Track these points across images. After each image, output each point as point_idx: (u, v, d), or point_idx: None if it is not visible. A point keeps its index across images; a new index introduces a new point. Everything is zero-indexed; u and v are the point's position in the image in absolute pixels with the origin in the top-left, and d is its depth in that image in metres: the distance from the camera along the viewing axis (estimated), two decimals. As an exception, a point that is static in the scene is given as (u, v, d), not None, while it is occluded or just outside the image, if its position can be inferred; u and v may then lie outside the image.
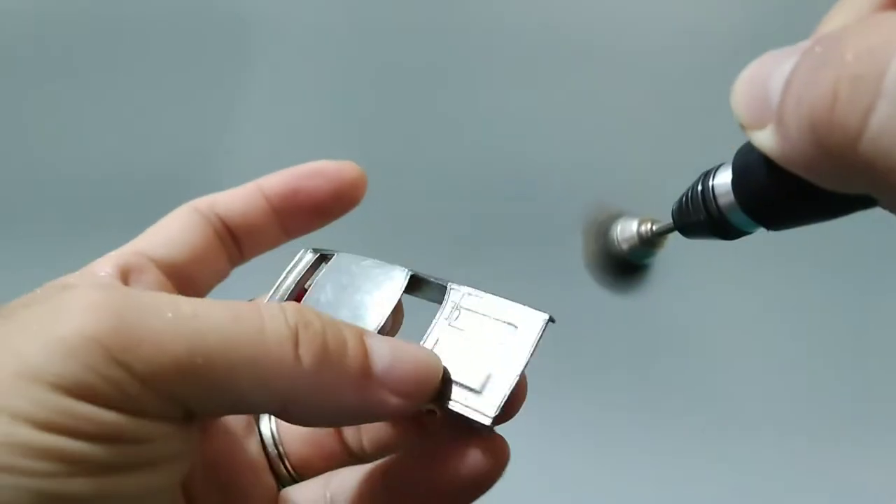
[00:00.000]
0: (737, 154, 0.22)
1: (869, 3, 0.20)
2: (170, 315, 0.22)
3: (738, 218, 0.22)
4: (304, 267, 0.32)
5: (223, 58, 0.72)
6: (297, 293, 0.32)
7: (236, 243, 0.33)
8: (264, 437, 0.31)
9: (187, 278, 0.31)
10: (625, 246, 0.26)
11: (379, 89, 0.71)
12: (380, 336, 0.26)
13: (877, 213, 0.22)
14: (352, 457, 0.31)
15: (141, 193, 0.71)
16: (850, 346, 0.67)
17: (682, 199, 0.24)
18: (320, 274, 0.31)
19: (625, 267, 0.27)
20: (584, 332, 0.65)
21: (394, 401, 0.25)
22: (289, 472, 0.31)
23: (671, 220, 0.25)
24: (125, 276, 0.28)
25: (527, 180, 0.69)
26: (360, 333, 0.25)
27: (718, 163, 0.23)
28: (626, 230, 0.26)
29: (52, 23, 0.72)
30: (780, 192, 0.21)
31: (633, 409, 0.66)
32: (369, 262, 0.31)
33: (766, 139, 0.18)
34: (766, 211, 0.22)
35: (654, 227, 0.26)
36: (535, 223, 0.69)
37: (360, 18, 0.70)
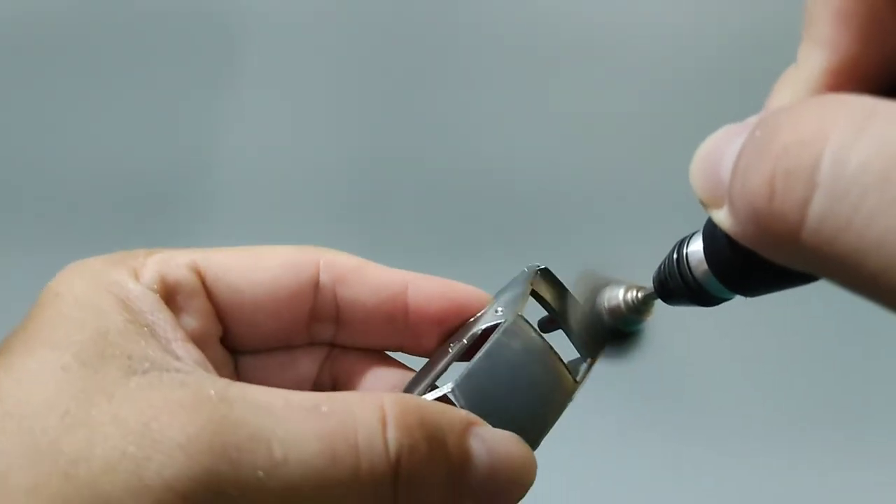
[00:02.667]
0: (706, 223, 0.22)
1: (809, 80, 0.19)
2: (261, 462, 0.20)
3: (714, 286, 0.22)
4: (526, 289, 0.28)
5: (215, 57, 0.71)
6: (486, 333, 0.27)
7: (336, 328, 0.28)
8: None
9: (243, 321, 0.27)
10: (612, 315, 0.26)
11: (372, 87, 0.70)
12: (481, 436, 0.24)
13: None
14: None
15: (136, 193, 0.71)
16: (851, 349, 0.67)
17: (660, 267, 0.24)
18: (502, 338, 0.26)
19: (615, 335, 0.27)
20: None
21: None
22: None
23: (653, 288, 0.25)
24: (171, 293, 0.25)
25: (527, 180, 0.69)
26: (465, 441, 0.23)
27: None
28: (613, 299, 0.26)
29: (44, 24, 0.71)
30: (746, 265, 0.21)
31: (632, 412, 0.66)
32: (545, 349, 0.27)
33: (722, 218, 0.18)
34: (738, 281, 0.21)
35: (640, 295, 0.26)
36: (534, 225, 0.69)
37: (353, 16, 0.70)
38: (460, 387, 0.25)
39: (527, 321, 0.27)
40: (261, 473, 0.20)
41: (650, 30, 0.68)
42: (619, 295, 0.26)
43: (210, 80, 0.71)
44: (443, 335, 0.28)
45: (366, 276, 0.28)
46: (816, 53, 0.19)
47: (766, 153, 0.17)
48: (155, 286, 0.25)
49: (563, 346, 0.28)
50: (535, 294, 0.28)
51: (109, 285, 0.24)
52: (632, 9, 0.68)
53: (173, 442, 0.20)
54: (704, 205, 0.19)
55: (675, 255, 0.23)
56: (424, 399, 0.25)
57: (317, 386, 0.29)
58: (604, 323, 0.26)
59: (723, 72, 0.65)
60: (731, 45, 0.66)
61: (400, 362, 0.30)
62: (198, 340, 0.25)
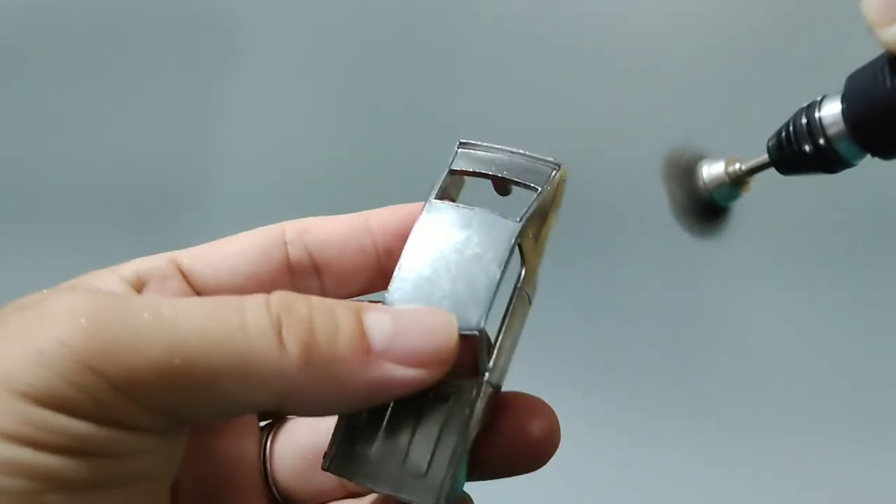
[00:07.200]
0: (848, 79, 0.22)
1: None
2: (147, 317, 0.21)
3: (847, 148, 0.23)
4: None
5: (212, 56, 0.71)
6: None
7: (320, 279, 0.28)
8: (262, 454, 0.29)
9: (222, 290, 0.27)
10: (712, 187, 0.26)
11: (370, 87, 0.70)
12: (384, 308, 0.24)
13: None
14: (348, 495, 0.28)
15: (134, 194, 0.71)
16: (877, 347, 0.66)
17: (780, 133, 0.24)
18: (423, 224, 0.27)
19: (709, 209, 0.27)
20: (595, 323, 0.65)
21: (402, 373, 0.23)
22: (277, 499, 0.28)
23: (766, 157, 0.25)
24: (142, 282, 0.26)
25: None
26: (357, 310, 0.23)
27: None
28: (714, 171, 0.26)
29: (42, 22, 0.71)
30: None
31: (653, 407, 0.65)
32: (478, 215, 0.27)
33: None
34: (884, 131, 0.22)
35: (745, 166, 0.26)
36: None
37: (350, 16, 0.70)
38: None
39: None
40: (147, 317, 0.21)
41: (649, 31, 0.67)
42: (720, 167, 0.26)
43: (209, 77, 0.71)
44: None
45: (328, 220, 0.28)
46: None
47: None
48: (130, 278, 0.25)
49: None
50: (467, 172, 0.28)
51: (82, 281, 0.25)
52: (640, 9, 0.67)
53: (61, 309, 0.21)
54: (876, 26, 0.19)
55: (803, 119, 0.24)
56: None
57: None
58: (703, 197, 0.26)
59: (724, 67, 0.64)
60: (736, 41, 0.65)
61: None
62: None
